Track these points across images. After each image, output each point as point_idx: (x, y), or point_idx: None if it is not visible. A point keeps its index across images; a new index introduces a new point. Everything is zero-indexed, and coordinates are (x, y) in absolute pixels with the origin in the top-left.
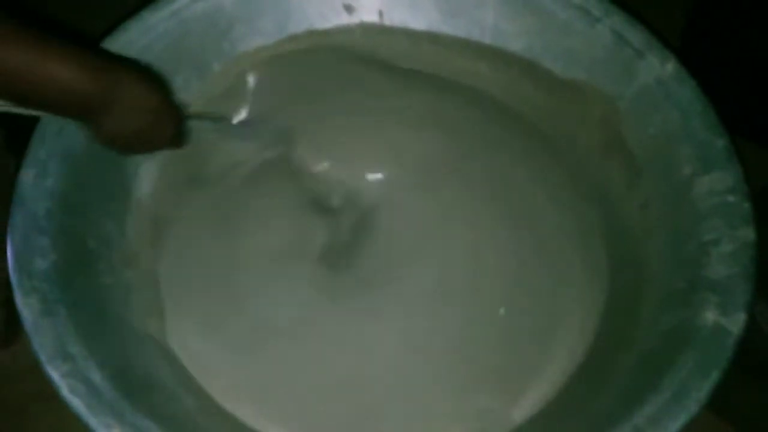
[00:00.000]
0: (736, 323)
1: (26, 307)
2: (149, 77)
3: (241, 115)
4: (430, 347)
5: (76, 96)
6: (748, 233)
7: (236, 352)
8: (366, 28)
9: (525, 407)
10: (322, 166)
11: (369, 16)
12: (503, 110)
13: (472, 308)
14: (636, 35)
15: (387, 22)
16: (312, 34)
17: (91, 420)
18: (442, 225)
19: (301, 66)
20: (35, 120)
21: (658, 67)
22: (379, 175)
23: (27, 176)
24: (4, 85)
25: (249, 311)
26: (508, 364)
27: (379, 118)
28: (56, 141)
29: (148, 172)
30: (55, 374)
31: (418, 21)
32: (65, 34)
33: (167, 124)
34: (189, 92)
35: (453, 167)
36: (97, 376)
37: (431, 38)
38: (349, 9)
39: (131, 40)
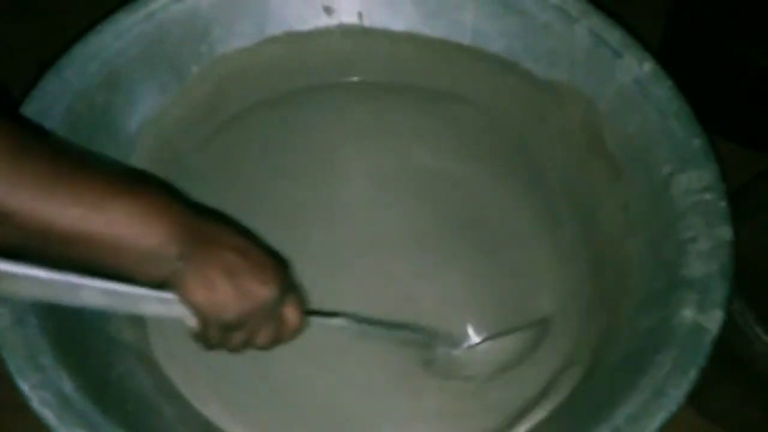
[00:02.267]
0: (713, 321)
1: None
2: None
3: None
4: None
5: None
6: (726, 231)
7: (221, 362)
8: (345, 30)
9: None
10: None
11: (348, 18)
12: (483, 114)
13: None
14: (613, 36)
15: (366, 23)
16: (290, 36)
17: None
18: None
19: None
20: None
21: (636, 67)
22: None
23: None
24: (55, 254)
25: None
26: None
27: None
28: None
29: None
30: (24, 385)
31: (397, 22)
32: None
33: (272, 277)
34: (167, 96)
35: (431, 180)
36: (68, 387)
37: (411, 39)
38: (328, 11)
39: (104, 43)
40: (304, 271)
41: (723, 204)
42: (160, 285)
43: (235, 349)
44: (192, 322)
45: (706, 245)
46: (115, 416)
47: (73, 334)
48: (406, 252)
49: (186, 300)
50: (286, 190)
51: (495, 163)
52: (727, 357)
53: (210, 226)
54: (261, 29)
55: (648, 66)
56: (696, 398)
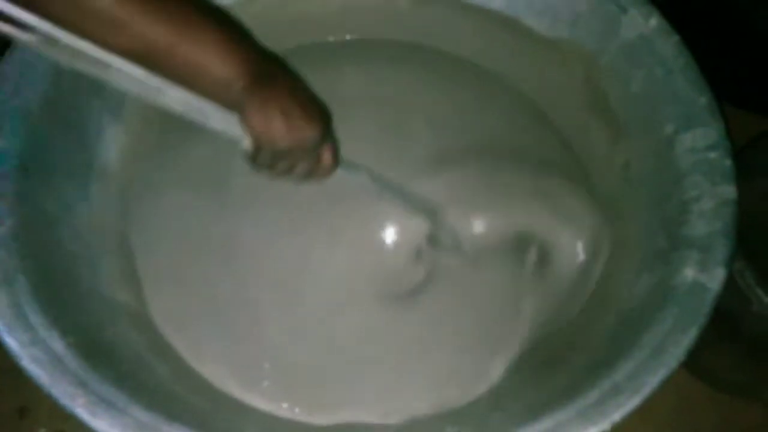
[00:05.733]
0: (715, 279)
1: None
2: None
3: None
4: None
5: (224, 83)
6: (729, 190)
7: (218, 318)
8: None
9: (501, 364)
10: None
11: None
12: (485, 75)
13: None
14: None
15: None
16: None
17: (54, 390)
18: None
19: None
20: None
21: (641, 23)
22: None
23: None
24: (152, 65)
25: (232, 274)
26: (484, 324)
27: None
28: (12, 100)
29: (113, 136)
30: (14, 344)
31: None
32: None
33: (317, 120)
34: None
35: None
36: (59, 346)
37: None
38: None
39: None
40: None
41: (728, 162)
42: (229, 107)
43: (278, 174)
44: (247, 144)
45: (709, 204)
46: (107, 374)
47: (64, 294)
48: None
49: (246, 125)
50: None
51: (495, 122)
52: (722, 316)
53: (275, 68)
54: None
55: (654, 21)
56: (689, 358)
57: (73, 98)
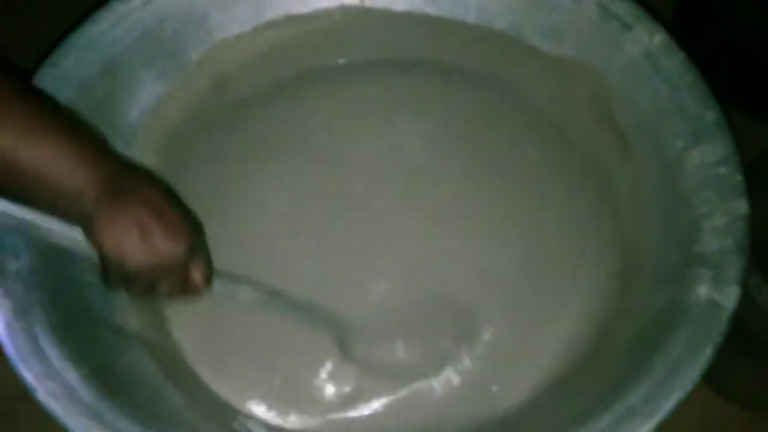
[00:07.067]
0: (729, 298)
1: None
2: (158, 179)
3: None
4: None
5: (69, 193)
6: (741, 205)
7: (235, 345)
8: (346, 12)
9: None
10: None
11: None
12: (489, 92)
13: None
14: (622, 8)
15: (368, 4)
16: (290, 19)
17: (69, 423)
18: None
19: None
20: None
21: (646, 40)
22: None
23: None
24: None
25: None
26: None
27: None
28: None
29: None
30: (29, 377)
31: (399, 2)
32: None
33: (181, 237)
34: (166, 84)
35: (459, 150)
36: (74, 378)
37: (414, 20)
38: None
39: (101, 32)
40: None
41: (738, 177)
42: (76, 222)
43: (135, 295)
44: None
45: (721, 220)
46: (122, 405)
47: (77, 325)
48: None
49: (92, 242)
50: (290, 173)
51: (501, 142)
52: (742, 333)
53: (132, 180)
54: (260, 13)
55: (659, 38)
56: (710, 376)
57: None
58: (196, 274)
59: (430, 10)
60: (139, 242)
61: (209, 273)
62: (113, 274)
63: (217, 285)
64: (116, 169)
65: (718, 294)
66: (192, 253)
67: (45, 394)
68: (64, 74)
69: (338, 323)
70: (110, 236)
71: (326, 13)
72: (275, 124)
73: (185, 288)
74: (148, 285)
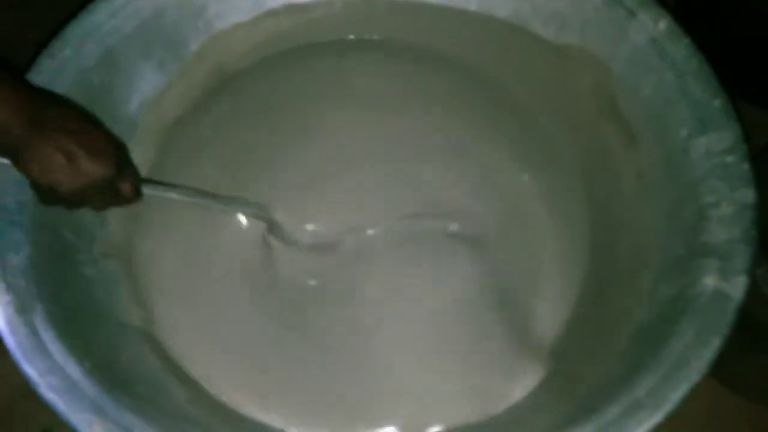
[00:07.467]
0: (737, 288)
1: (0, 304)
2: (78, 107)
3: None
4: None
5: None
6: (748, 194)
7: (228, 341)
8: (347, 1)
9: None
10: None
11: None
12: (492, 85)
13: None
14: None
15: None
16: (290, 8)
17: (71, 417)
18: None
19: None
20: None
21: (651, 26)
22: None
23: None
24: None
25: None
26: (493, 343)
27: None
28: None
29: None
30: (32, 372)
31: None
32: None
33: (107, 158)
34: (166, 74)
35: (445, 146)
36: (76, 372)
37: (415, 8)
38: None
39: (99, 22)
40: None
41: (745, 166)
42: (5, 155)
43: (71, 209)
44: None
45: (728, 210)
46: (124, 400)
47: (79, 320)
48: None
49: (22, 171)
50: (287, 152)
51: (502, 133)
52: (750, 325)
53: (54, 110)
54: (259, 3)
55: (664, 24)
56: (717, 367)
57: None
58: (126, 186)
59: None
60: (68, 168)
61: (137, 183)
62: (46, 198)
63: (148, 190)
64: (37, 102)
65: (725, 284)
66: (118, 170)
67: (47, 389)
68: (62, 65)
69: (264, 208)
70: (39, 167)
71: (327, 2)
72: (275, 113)
73: (117, 200)
74: (81, 201)
